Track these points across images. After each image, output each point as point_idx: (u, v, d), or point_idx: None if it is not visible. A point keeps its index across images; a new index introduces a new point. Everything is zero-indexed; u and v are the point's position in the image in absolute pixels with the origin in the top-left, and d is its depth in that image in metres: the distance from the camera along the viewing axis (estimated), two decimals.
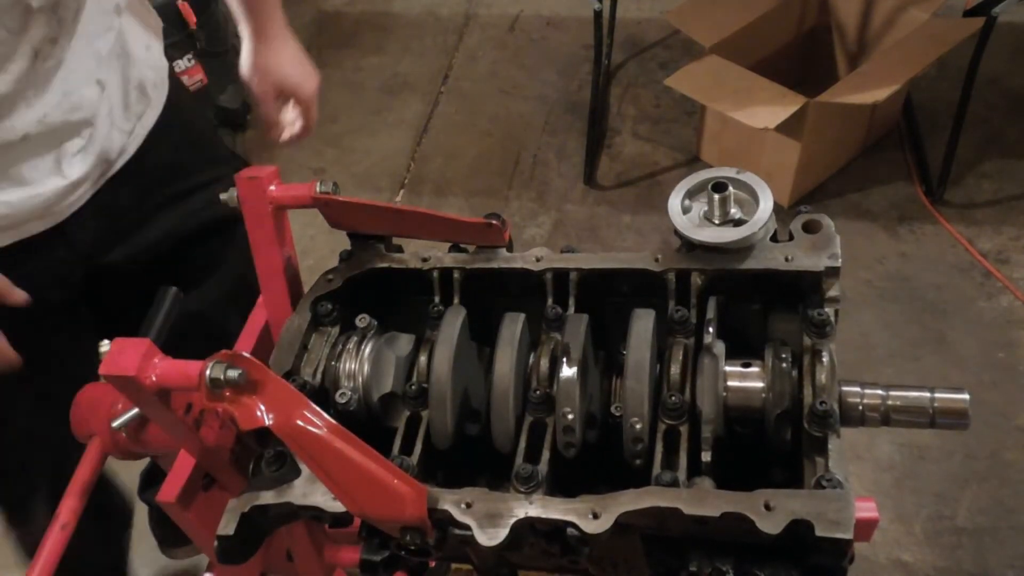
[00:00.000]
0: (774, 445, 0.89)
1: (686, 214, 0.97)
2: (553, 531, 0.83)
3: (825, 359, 0.87)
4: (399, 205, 1.20)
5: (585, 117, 3.16)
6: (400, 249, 1.09)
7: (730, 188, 0.95)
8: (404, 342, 1.01)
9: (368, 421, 0.99)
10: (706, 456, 0.86)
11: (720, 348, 0.90)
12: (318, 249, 2.67)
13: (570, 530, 0.81)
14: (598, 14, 2.77)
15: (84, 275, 1.40)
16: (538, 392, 0.92)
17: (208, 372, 0.77)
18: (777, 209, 0.95)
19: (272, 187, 1.05)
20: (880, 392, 0.88)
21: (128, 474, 2.04)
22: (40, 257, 1.30)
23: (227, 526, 0.87)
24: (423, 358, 0.98)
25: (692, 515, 0.78)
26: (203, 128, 1.62)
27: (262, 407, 0.79)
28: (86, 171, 1.28)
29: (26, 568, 1.03)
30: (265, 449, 0.91)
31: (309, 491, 0.88)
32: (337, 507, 0.86)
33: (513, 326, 0.96)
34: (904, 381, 0.90)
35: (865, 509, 0.81)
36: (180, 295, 1.15)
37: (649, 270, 0.97)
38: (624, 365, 0.90)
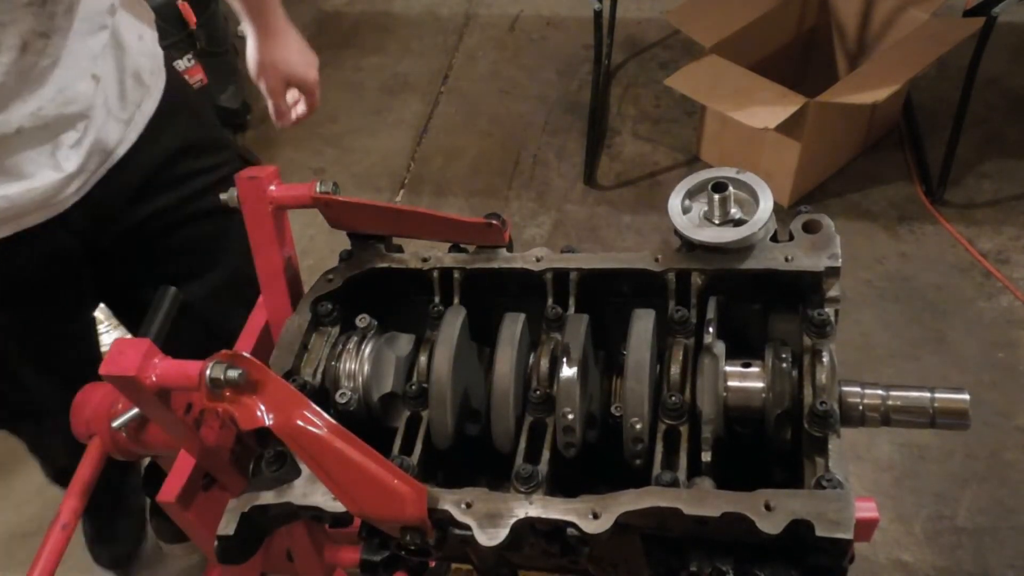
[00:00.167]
0: (774, 445, 0.89)
1: (686, 214, 0.97)
2: (553, 531, 0.83)
3: (825, 359, 0.87)
4: (399, 205, 1.21)
5: (585, 117, 3.16)
6: (400, 249, 1.09)
7: (730, 188, 0.95)
8: (404, 342, 1.01)
9: (368, 421, 0.99)
10: (706, 456, 0.86)
11: (720, 348, 0.90)
12: (318, 249, 2.67)
13: (570, 530, 0.81)
14: (598, 14, 2.76)
15: (84, 254, 1.41)
16: (538, 392, 0.92)
17: (208, 372, 0.77)
18: (777, 209, 0.95)
19: (272, 187, 1.06)
20: (880, 392, 0.88)
21: None
22: (39, 243, 1.31)
23: (227, 526, 0.88)
24: (423, 358, 0.98)
25: (692, 515, 0.78)
26: (207, 114, 1.65)
27: (262, 407, 0.79)
28: (81, 163, 1.28)
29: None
30: (265, 449, 0.91)
31: (309, 491, 0.88)
32: (337, 507, 0.86)
33: (513, 326, 0.96)
34: (904, 381, 0.90)
35: (865, 509, 0.81)
36: (180, 295, 1.15)
37: (649, 270, 0.97)
38: (624, 365, 0.90)
